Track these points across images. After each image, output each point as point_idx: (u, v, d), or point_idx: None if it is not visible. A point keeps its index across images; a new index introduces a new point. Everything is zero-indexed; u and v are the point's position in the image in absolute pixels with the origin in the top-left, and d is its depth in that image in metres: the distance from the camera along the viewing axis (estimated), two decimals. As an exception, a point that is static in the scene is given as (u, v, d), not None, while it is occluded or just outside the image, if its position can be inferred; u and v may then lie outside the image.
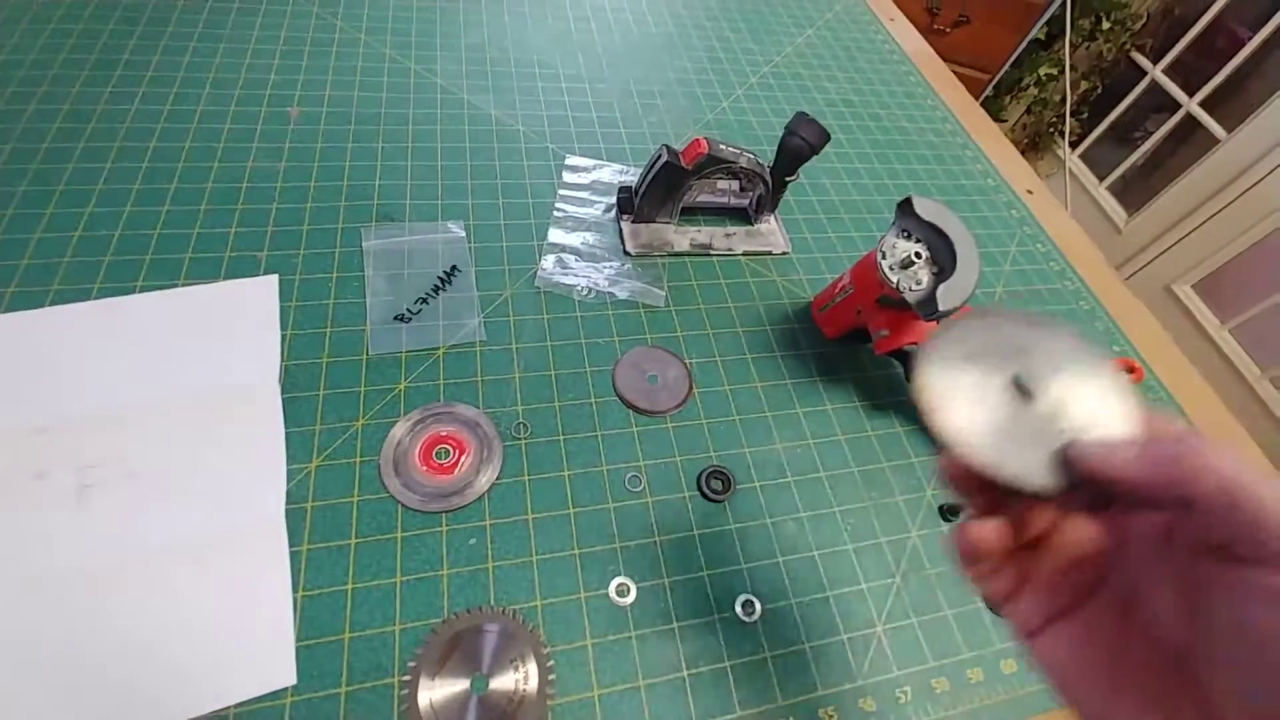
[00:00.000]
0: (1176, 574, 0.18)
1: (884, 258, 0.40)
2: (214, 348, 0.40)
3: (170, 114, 0.52)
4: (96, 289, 0.41)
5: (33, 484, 0.34)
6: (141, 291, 0.41)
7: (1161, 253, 1.47)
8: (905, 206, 0.40)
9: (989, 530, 0.20)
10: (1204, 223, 1.40)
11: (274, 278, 0.43)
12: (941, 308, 0.37)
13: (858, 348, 0.48)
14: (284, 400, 0.38)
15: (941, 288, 0.38)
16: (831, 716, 0.33)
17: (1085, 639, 0.19)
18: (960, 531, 0.20)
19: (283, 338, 0.41)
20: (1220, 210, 1.37)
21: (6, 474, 0.34)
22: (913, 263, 0.39)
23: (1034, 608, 0.20)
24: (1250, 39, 1.33)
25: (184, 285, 0.42)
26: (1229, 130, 1.35)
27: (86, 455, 0.35)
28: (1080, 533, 0.20)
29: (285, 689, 0.30)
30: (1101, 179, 1.64)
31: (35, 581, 0.31)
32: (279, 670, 0.30)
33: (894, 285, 0.39)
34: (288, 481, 0.35)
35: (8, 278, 0.40)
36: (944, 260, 0.39)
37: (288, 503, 0.35)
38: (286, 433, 0.37)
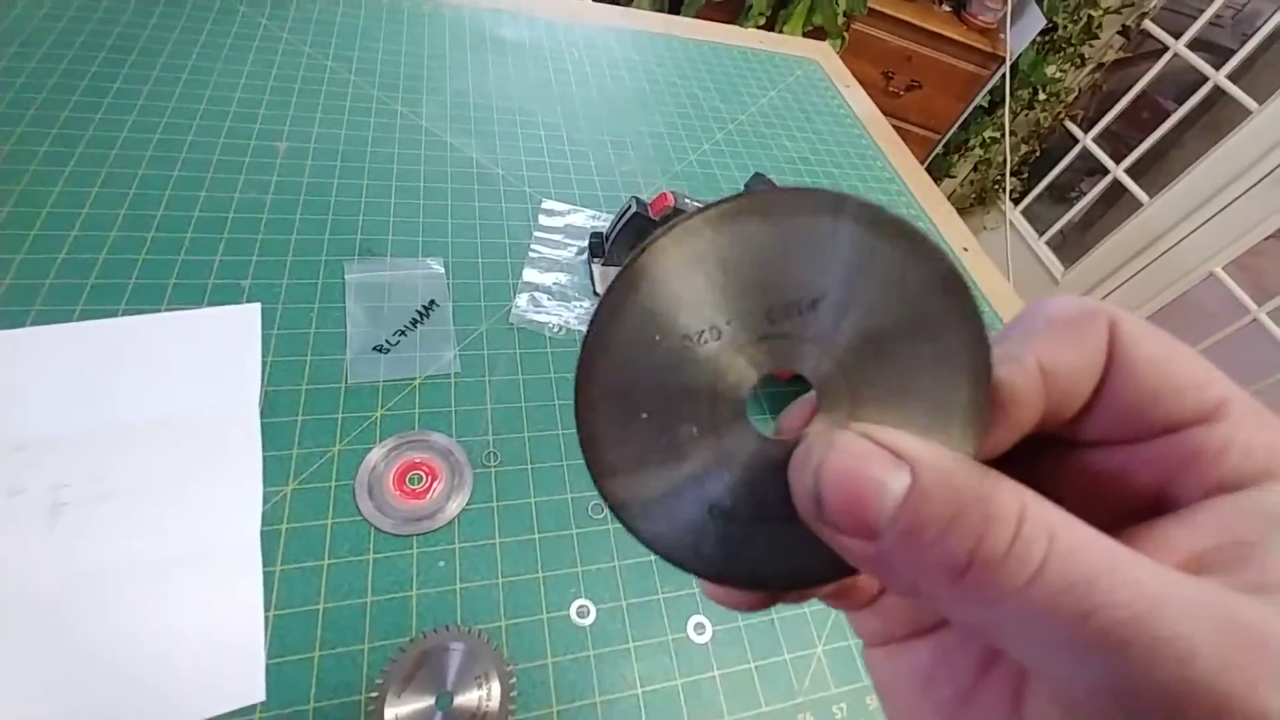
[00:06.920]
0: None
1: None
2: (195, 372, 0.41)
3: (159, 143, 0.53)
4: (79, 311, 0.42)
5: (7, 501, 0.34)
6: (124, 315, 0.43)
7: (1094, 304, 1.59)
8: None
9: None
10: (1131, 278, 1.52)
11: (257, 306, 0.45)
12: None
13: (806, 389, 0.52)
14: (263, 425, 0.40)
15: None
16: (773, 732, 0.36)
17: (940, 665, 0.14)
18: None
19: (264, 364, 0.42)
20: (1144, 268, 1.49)
21: (-20, 491, 0.34)
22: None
23: (895, 617, 0.15)
24: (1175, 110, 1.47)
25: (167, 310, 0.43)
26: (1151, 195, 1.49)
27: (63, 474, 0.36)
28: None
29: (254, 706, 0.31)
30: (1041, 234, 1.77)
31: (5, 597, 0.32)
32: (248, 687, 0.31)
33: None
34: (264, 504, 0.37)
35: (-12, 297, 0.41)
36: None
37: (263, 524, 0.36)
38: (265, 456, 0.38)
